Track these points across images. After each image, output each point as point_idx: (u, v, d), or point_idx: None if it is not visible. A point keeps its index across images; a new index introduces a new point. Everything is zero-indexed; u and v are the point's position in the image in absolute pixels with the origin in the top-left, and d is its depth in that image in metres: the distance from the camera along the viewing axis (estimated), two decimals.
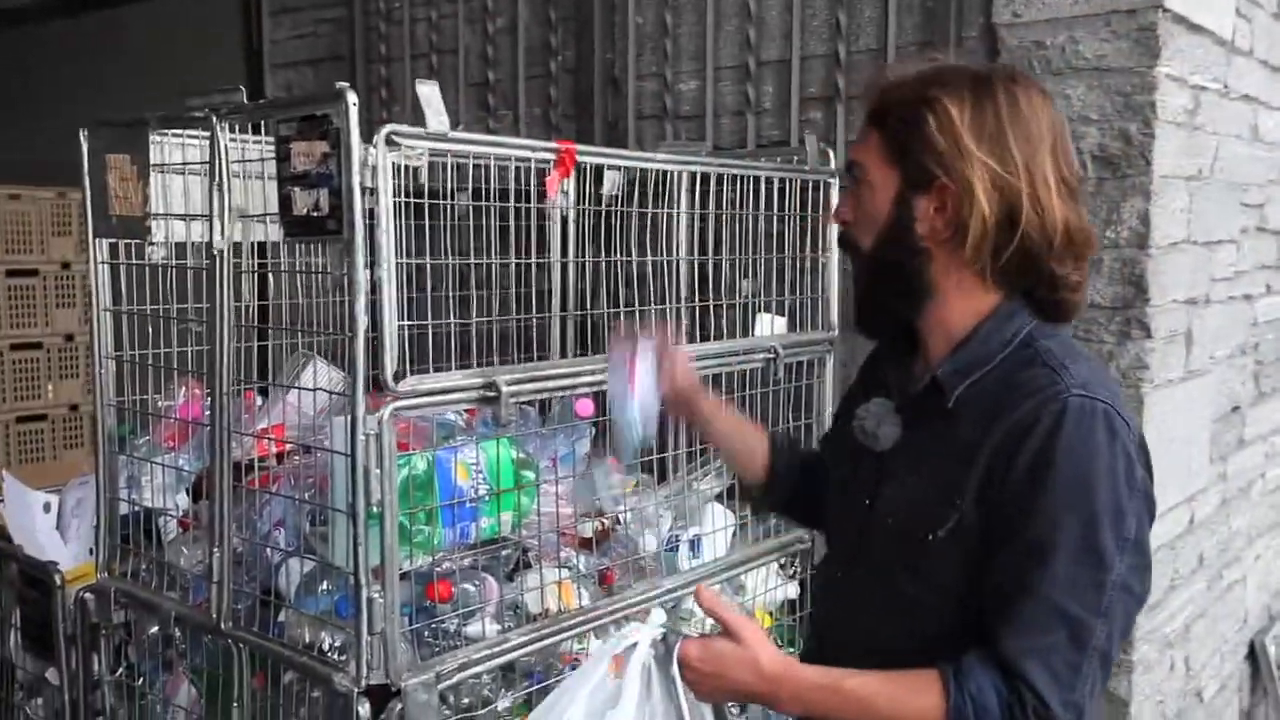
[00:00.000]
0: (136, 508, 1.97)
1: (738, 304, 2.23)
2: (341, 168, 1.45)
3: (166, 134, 1.88)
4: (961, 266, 1.21)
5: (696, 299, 2.18)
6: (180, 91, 1.77)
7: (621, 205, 2.01)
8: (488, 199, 1.80)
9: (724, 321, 2.19)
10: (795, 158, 2.32)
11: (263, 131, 1.74)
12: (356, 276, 1.45)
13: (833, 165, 2.31)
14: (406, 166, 1.51)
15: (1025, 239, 1.16)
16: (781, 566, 2.32)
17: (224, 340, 1.72)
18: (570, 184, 2.26)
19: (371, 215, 1.48)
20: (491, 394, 1.61)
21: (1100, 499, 1.11)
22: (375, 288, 1.47)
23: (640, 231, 2.02)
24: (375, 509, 1.49)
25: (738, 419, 1.65)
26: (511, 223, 2.03)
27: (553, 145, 1.70)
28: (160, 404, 1.98)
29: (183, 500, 1.94)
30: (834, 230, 2.33)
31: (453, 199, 1.74)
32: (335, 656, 1.62)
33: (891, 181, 1.22)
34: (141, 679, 1.97)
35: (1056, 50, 2.07)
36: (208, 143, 1.67)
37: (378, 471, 1.49)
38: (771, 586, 2.28)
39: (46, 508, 2.29)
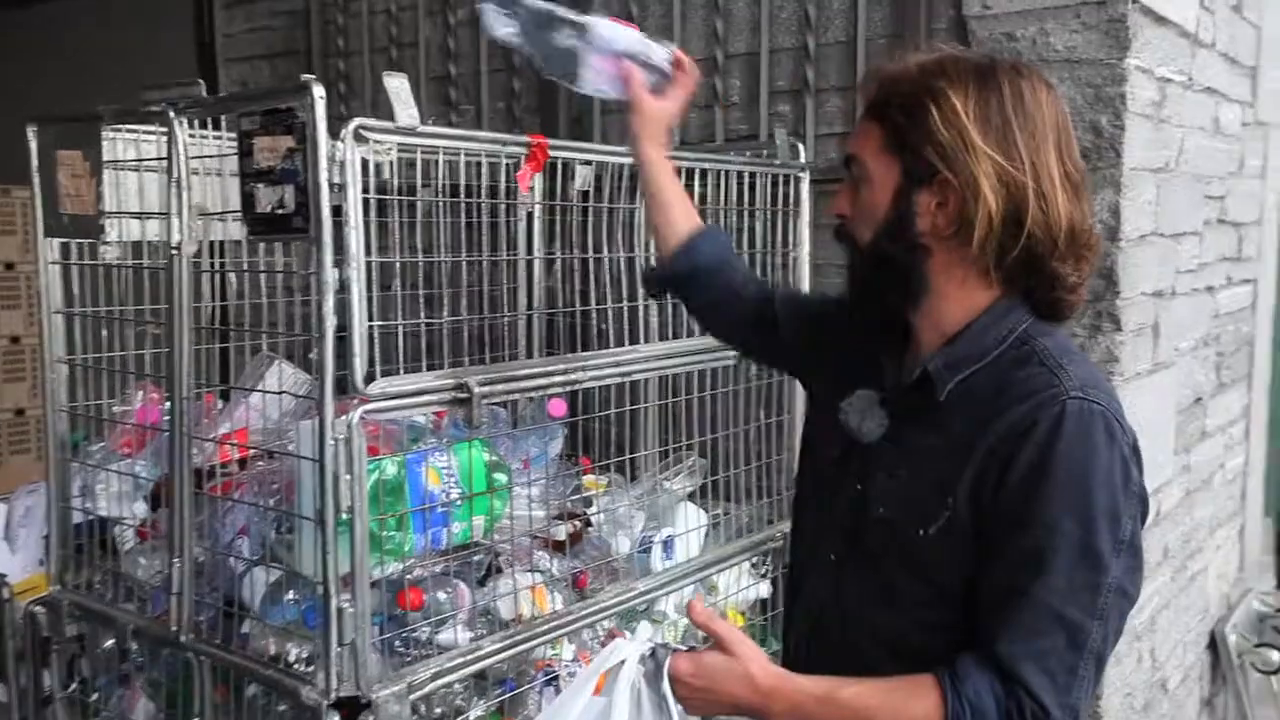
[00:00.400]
0: (90, 517, 1.90)
1: None
2: (308, 163, 1.40)
3: (120, 129, 1.81)
4: (961, 263, 1.18)
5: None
6: (129, 86, 1.71)
7: (589, 201, 1.97)
8: (453, 195, 1.75)
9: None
10: (765, 152, 2.30)
11: (221, 127, 1.68)
12: (325, 275, 1.40)
13: (802, 159, 2.29)
14: (375, 163, 1.46)
15: (1030, 237, 1.14)
16: (754, 566, 2.30)
17: (183, 342, 1.66)
18: (535, 179, 2.23)
19: (338, 212, 1.43)
20: (463, 395, 1.56)
21: (1098, 502, 1.10)
22: (343, 287, 1.42)
23: (609, 228, 1.99)
24: (345, 516, 1.44)
25: (677, 183, 1.61)
26: (477, 219, 1.99)
27: (524, 139, 1.66)
28: (115, 409, 1.91)
29: (140, 508, 1.87)
30: (804, 225, 2.32)
31: (416, 195, 1.70)
32: (302, 668, 1.57)
33: (892, 175, 1.19)
34: (96, 695, 1.90)
35: (1027, 42, 2.06)
36: (163, 138, 1.62)
37: (347, 477, 1.44)
38: (743, 586, 2.26)
39: None
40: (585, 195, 1.90)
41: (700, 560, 2.10)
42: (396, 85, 1.50)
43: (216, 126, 1.69)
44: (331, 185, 1.41)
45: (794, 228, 2.30)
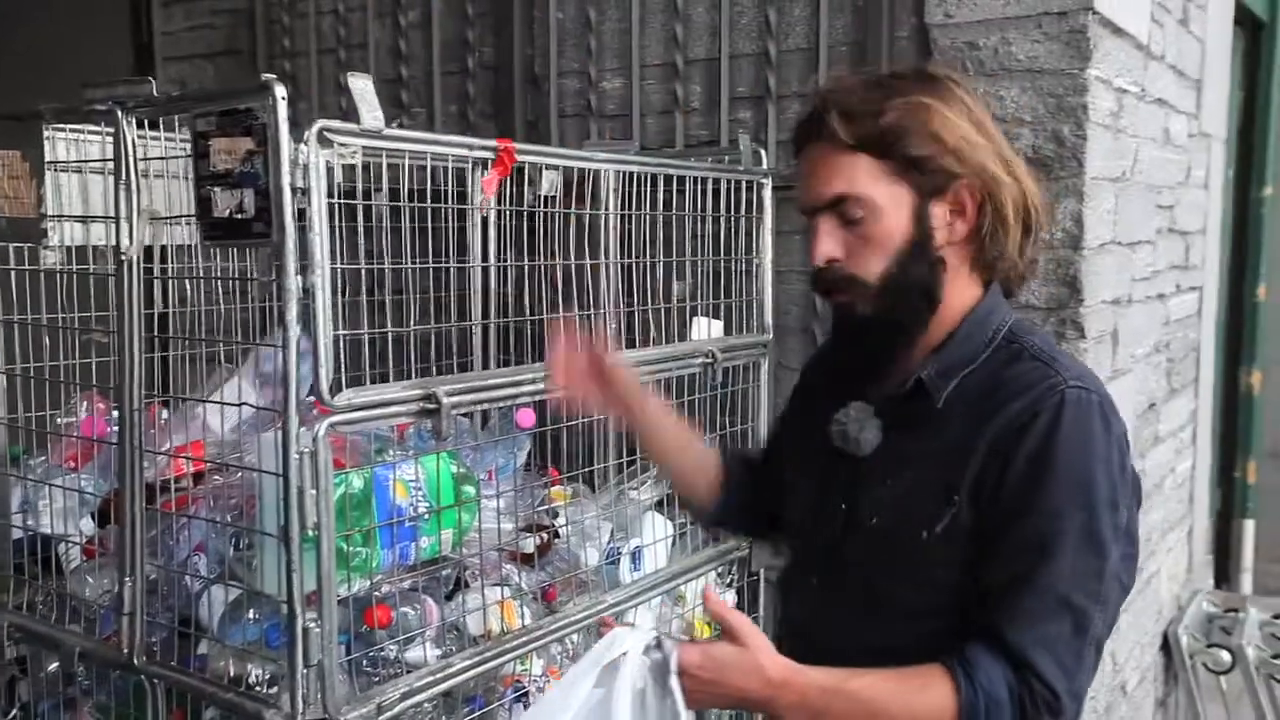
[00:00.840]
0: (30, 533, 1.82)
1: (671, 308, 2.17)
2: (270, 166, 1.35)
3: (62, 129, 1.74)
4: (959, 266, 1.22)
5: (636, 303, 2.12)
6: (58, 84, 1.64)
7: (552, 207, 1.93)
8: (413, 199, 1.71)
9: (656, 327, 2.13)
10: (726, 157, 2.28)
11: (162, 128, 1.62)
12: (288, 283, 1.35)
13: (765, 165, 2.28)
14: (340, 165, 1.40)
15: (1026, 219, 1.21)
16: (719, 575, 2.28)
17: (134, 351, 1.59)
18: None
19: (300, 217, 1.38)
20: (432, 406, 1.52)
21: (1099, 489, 1.12)
22: (307, 295, 1.37)
23: (573, 234, 1.95)
24: (311, 532, 1.39)
25: (683, 431, 1.58)
26: (438, 224, 1.94)
27: (491, 143, 1.62)
28: (59, 421, 1.82)
29: (87, 525, 1.79)
30: (767, 232, 2.31)
31: (380, 200, 1.65)
32: (264, 690, 1.52)
33: (903, 198, 1.19)
34: None
35: (989, 51, 2.07)
36: (107, 138, 1.55)
37: (313, 492, 1.38)
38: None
39: None
40: (550, 201, 1.86)
41: (668, 571, 2.07)
42: (361, 86, 1.44)
43: (156, 127, 1.62)
44: (294, 189, 1.36)
45: (757, 234, 2.28)
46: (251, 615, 1.57)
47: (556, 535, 1.91)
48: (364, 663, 1.56)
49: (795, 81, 2.35)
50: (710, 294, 2.25)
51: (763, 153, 2.28)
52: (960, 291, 1.23)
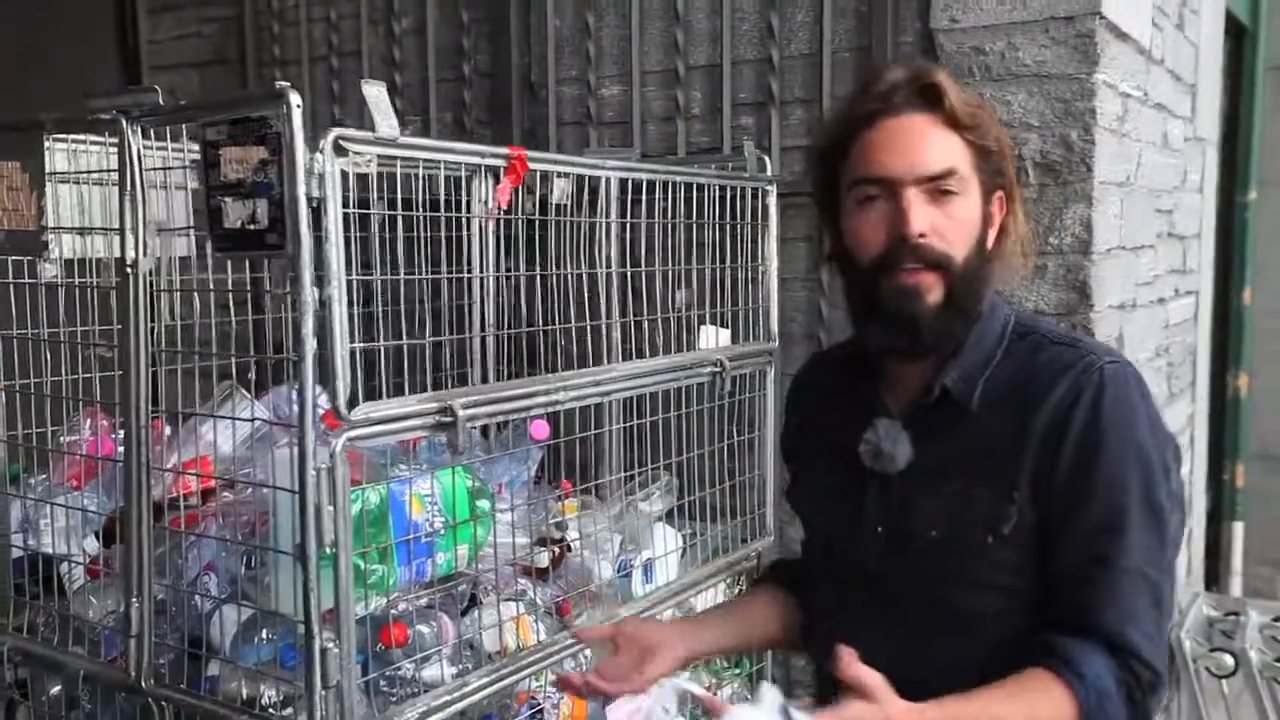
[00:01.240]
0: (30, 553, 1.77)
1: (676, 317, 2.15)
2: (284, 176, 1.32)
3: (63, 139, 1.70)
4: None
5: (644, 312, 2.09)
6: (44, 93, 1.60)
7: (561, 215, 1.90)
8: (420, 209, 1.68)
9: (663, 336, 2.11)
10: (730, 164, 2.26)
11: (163, 137, 1.59)
12: (304, 295, 1.32)
13: (769, 172, 2.26)
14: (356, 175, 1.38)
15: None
16: (728, 586, 2.26)
17: (140, 366, 1.56)
18: (490, 192, 2.16)
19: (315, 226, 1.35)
20: (447, 419, 1.49)
21: (1150, 458, 1.14)
22: (324, 307, 1.34)
23: (578, 242, 1.93)
24: (329, 550, 1.35)
25: (734, 620, 1.47)
26: (438, 234, 1.91)
27: (504, 151, 1.60)
28: (63, 438, 1.78)
29: (91, 545, 1.75)
30: (772, 239, 2.29)
31: (377, 209, 1.62)
32: (277, 712, 1.48)
33: (976, 189, 1.20)
34: None
35: (996, 56, 2.06)
36: (106, 148, 1.51)
37: (330, 508, 1.35)
38: (723, 601, 2.21)
39: None
40: (561, 209, 1.83)
41: (680, 583, 2.05)
42: (375, 94, 1.42)
43: (149, 136, 1.58)
44: (309, 199, 1.33)
45: (762, 241, 2.27)
46: (265, 635, 1.53)
47: (568, 548, 1.88)
48: (381, 682, 1.53)
49: (798, 87, 2.34)
50: (715, 302, 2.23)
51: (767, 159, 2.26)
52: None
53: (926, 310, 1.18)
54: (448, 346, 1.95)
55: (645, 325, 2.10)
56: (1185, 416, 3.24)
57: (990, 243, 1.22)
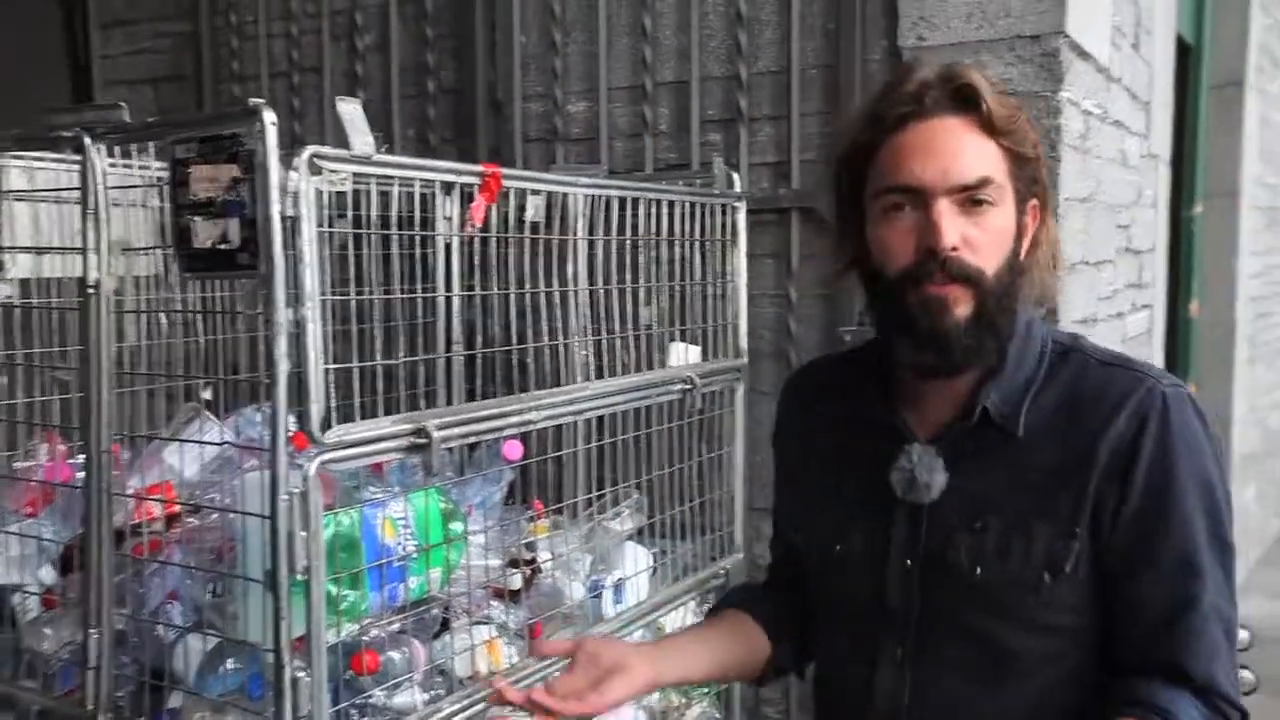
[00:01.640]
0: None
1: (645, 334, 2.14)
2: (257, 195, 1.29)
3: (21, 156, 1.65)
4: None
5: (614, 330, 2.08)
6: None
7: (536, 233, 1.89)
8: (385, 227, 1.66)
9: (634, 354, 2.10)
10: (698, 181, 2.26)
11: (133, 155, 1.55)
12: (278, 316, 1.29)
13: (737, 188, 2.26)
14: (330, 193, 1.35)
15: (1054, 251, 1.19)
16: (698, 604, 2.24)
17: (102, 388, 1.52)
18: (455, 208, 2.14)
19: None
20: (422, 440, 1.46)
21: (1217, 490, 1.10)
22: (298, 327, 1.31)
23: (545, 260, 1.91)
24: (301, 576, 1.32)
25: (704, 647, 1.34)
26: (401, 252, 1.88)
27: (478, 168, 1.58)
28: (17, 464, 1.73)
29: (47, 574, 1.69)
30: (741, 255, 2.29)
31: (340, 227, 1.59)
32: None
33: (1010, 196, 1.12)
34: None
35: None
36: (62, 165, 1.47)
37: (303, 534, 1.32)
38: (688, 626, 2.20)
39: None
40: (535, 227, 1.82)
41: (650, 602, 2.03)
42: (350, 111, 1.39)
43: (114, 154, 1.54)
44: (284, 218, 1.30)
45: (731, 258, 2.26)
46: (230, 665, 1.49)
47: (539, 570, 1.86)
48: (352, 711, 1.49)
49: (766, 104, 2.35)
50: (682, 319, 2.22)
51: (735, 176, 2.27)
52: None
53: (955, 324, 1.10)
54: (416, 367, 1.92)
55: (614, 343, 2.09)
56: None
57: (1023, 254, 1.14)
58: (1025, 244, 1.14)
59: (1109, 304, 2.62)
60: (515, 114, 2.64)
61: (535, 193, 1.74)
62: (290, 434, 1.34)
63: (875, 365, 1.24)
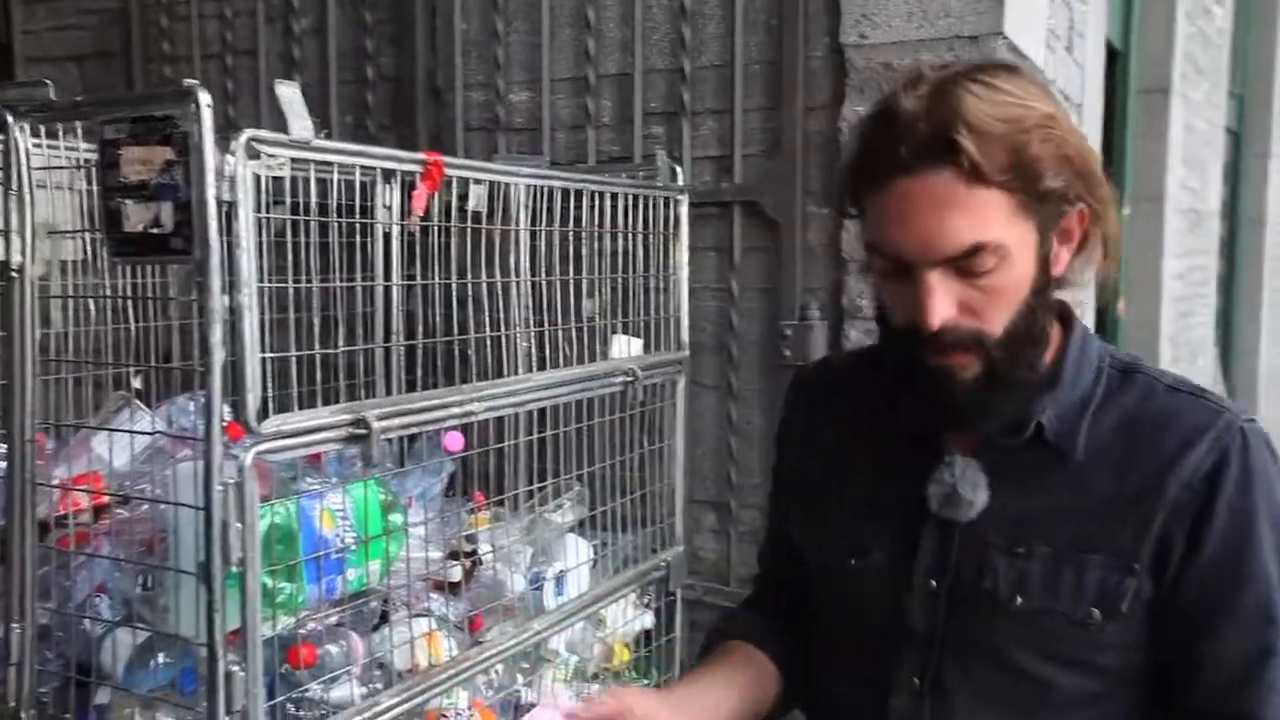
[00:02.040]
0: None
1: (584, 326, 2.14)
2: (192, 178, 1.26)
3: None
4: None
5: (557, 321, 2.07)
6: None
7: (468, 223, 1.87)
8: (323, 214, 1.63)
9: (575, 346, 2.09)
10: (641, 173, 2.26)
11: (60, 135, 1.50)
12: (213, 303, 1.26)
13: (680, 181, 2.26)
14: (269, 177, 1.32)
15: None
16: (639, 596, 2.25)
17: (25, 376, 1.47)
18: (395, 197, 2.11)
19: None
20: (361, 431, 1.44)
21: None
22: (234, 315, 1.28)
23: (484, 250, 1.89)
24: (236, 569, 1.29)
25: (720, 691, 1.21)
26: (337, 240, 1.85)
27: (420, 156, 1.56)
28: None
29: None
30: (683, 248, 2.29)
31: (269, 212, 1.56)
32: None
33: (1029, 237, 0.98)
34: None
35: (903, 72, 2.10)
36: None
37: (238, 525, 1.29)
38: (629, 618, 2.20)
39: None
40: (477, 217, 1.80)
41: (591, 594, 2.03)
42: (289, 94, 1.37)
43: (38, 134, 1.49)
44: (220, 203, 1.27)
45: (673, 251, 2.27)
46: (161, 659, 1.46)
47: (480, 562, 1.85)
48: (288, 705, 1.47)
49: (709, 98, 2.35)
50: (624, 311, 2.22)
51: (678, 169, 2.27)
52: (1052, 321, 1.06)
53: (963, 386, 1.01)
54: (356, 357, 1.89)
55: (556, 334, 2.08)
56: None
57: (1059, 269, 1.02)
58: (1065, 254, 1.03)
59: None
60: (456, 102, 2.61)
61: (478, 182, 1.72)
62: (225, 424, 1.31)
63: (903, 366, 1.09)
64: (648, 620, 2.26)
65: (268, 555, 1.37)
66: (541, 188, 1.96)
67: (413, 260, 2.13)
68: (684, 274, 2.28)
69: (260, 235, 1.36)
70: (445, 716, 1.73)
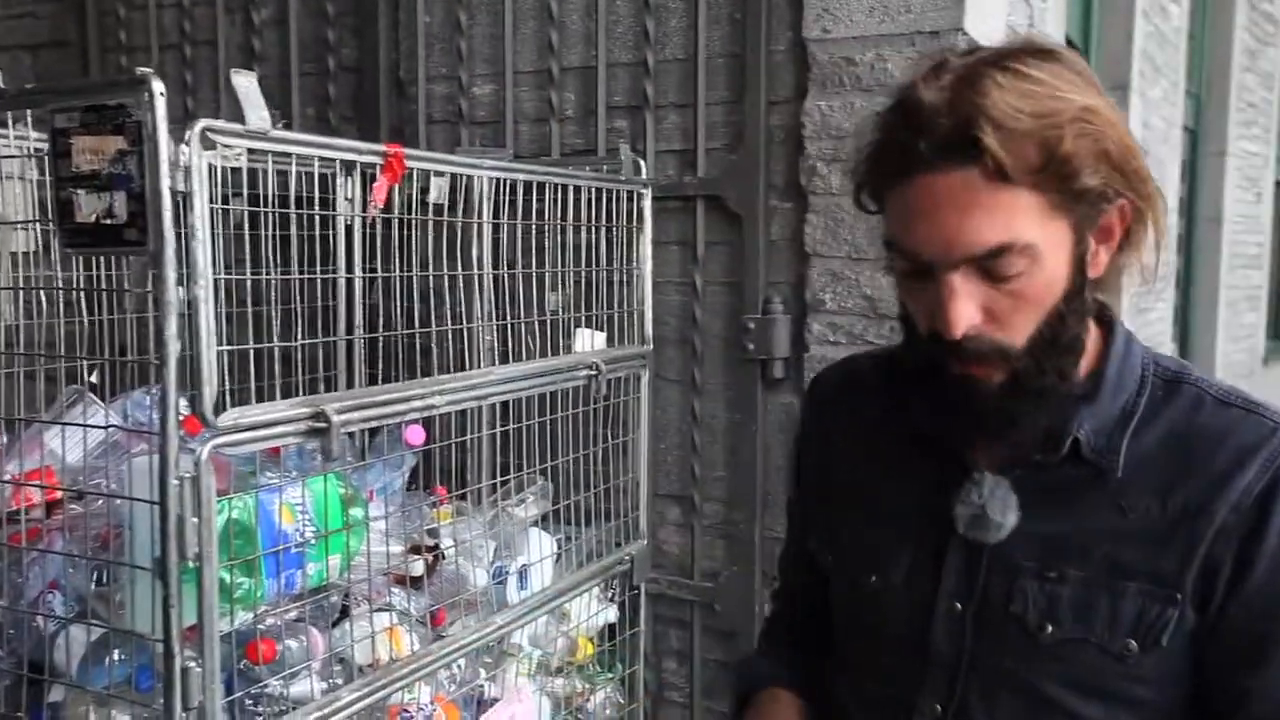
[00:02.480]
0: None
1: (550, 319, 2.13)
2: (146, 168, 1.24)
3: None
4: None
5: (518, 315, 2.06)
6: None
7: (439, 215, 1.86)
8: (283, 206, 1.61)
9: (538, 339, 2.08)
10: (604, 166, 2.26)
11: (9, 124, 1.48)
12: (168, 295, 1.24)
13: (644, 175, 2.26)
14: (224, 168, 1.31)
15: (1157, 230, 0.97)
16: (602, 590, 2.25)
17: None
18: (356, 189, 2.10)
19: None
20: (320, 424, 1.43)
21: None
22: (190, 307, 1.27)
23: (447, 243, 1.88)
24: (192, 564, 1.28)
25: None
26: (299, 232, 1.84)
27: (380, 148, 1.54)
28: None
29: None
30: (647, 242, 2.29)
31: (227, 204, 1.55)
32: None
33: (1063, 237, 0.92)
34: None
35: (865, 67, 2.12)
36: None
37: (195, 520, 1.28)
38: (593, 612, 2.20)
39: None
40: (440, 209, 1.79)
41: (555, 588, 2.03)
42: (245, 84, 1.35)
43: None
44: (174, 193, 1.25)
45: (637, 244, 2.27)
46: (117, 656, 1.44)
47: (442, 556, 1.84)
48: (247, 701, 1.45)
49: (673, 92, 2.35)
50: (588, 305, 2.22)
51: (642, 162, 2.27)
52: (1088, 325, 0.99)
53: (987, 395, 0.94)
54: (315, 350, 1.88)
55: (519, 328, 2.07)
56: None
57: (1096, 270, 0.96)
58: (1104, 253, 0.96)
59: None
60: (419, 95, 2.60)
61: (439, 174, 1.71)
62: (182, 418, 1.29)
63: (928, 372, 1.02)
64: (612, 614, 2.27)
65: (225, 550, 1.36)
66: (504, 180, 1.96)
67: (375, 253, 2.13)
68: (648, 268, 2.28)
69: (219, 227, 1.35)
70: (407, 711, 1.72)
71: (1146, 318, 6.15)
